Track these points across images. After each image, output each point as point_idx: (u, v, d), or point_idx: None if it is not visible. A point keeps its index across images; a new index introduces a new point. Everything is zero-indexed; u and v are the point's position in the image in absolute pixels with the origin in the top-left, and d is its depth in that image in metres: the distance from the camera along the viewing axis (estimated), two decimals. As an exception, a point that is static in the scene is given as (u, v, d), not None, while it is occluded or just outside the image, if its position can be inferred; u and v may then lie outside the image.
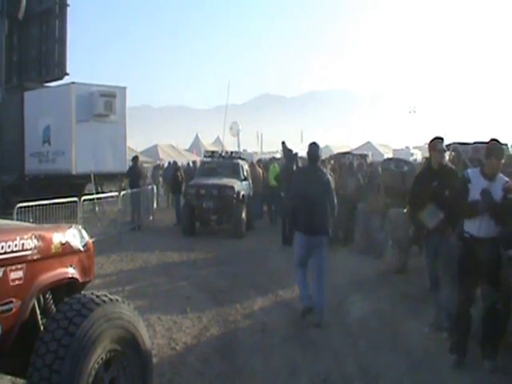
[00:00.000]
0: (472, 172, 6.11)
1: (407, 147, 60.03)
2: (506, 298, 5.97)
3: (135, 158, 19.02)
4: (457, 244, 6.45)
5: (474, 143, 10.84)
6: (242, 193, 15.89)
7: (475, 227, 5.90)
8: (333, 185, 8.15)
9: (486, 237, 5.87)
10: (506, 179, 6.06)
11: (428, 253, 7.30)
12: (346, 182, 14.50)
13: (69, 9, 21.01)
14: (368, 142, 61.43)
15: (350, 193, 14.26)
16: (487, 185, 5.86)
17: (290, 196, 9.17)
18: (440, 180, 6.99)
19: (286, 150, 15.34)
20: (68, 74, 21.20)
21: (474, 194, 5.87)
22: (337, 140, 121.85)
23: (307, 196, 7.62)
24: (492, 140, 6.20)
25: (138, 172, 18.24)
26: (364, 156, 22.04)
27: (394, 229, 10.82)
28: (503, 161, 6.05)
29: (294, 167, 13.78)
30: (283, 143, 15.95)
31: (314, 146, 8.00)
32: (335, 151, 35.23)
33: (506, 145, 13.13)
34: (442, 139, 7.28)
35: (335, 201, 7.85)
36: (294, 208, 7.99)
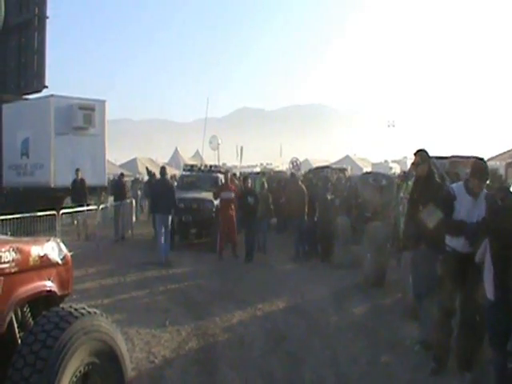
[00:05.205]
0: (457, 188, 5.96)
1: (386, 161, 60.29)
2: (482, 311, 6.01)
3: (121, 175, 20.82)
4: (436, 257, 6.44)
5: (452, 157, 10.74)
6: (220, 206, 15.92)
7: (460, 243, 5.84)
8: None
9: (469, 252, 5.78)
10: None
11: (413, 265, 7.36)
12: (324, 197, 14.59)
13: (48, 21, 20.99)
14: (347, 156, 61.78)
15: (329, 206, 14.34)
16: (472, 202, 5.79)
17: (152, 194, 14.99)
18: (418, 192, 7.01)
19: (148, 171, 23.02)
20: (47, 87, 21.09)
21: (460, 211, 5.80)
22: (316, 154, 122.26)
23: (160, 193, 13.72)
24: (477, 159, 6.11)
25: (122, 186, 19.23)
26: (343, 170, 22.23)
27: (372, 242, 10.90)
28: (488, 182, 6.01)
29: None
30: (147, 169, 24.49)
31: (164, 169, 14.51)
32: (314, 165, 35.37)
33: (483, 159, 13.26)
34: (420, 151, 7.07)
35: (172, 193, 13.81)
36: (155, 201, 14.34)
